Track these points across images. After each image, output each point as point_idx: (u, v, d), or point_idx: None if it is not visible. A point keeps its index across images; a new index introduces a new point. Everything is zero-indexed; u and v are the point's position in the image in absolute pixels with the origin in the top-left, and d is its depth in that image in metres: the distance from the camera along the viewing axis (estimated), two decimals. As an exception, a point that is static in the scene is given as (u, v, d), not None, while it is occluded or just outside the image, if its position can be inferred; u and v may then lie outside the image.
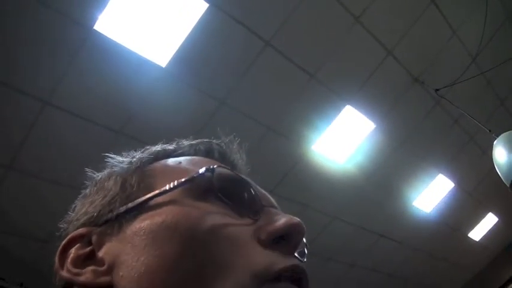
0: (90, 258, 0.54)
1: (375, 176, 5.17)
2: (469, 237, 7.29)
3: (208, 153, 0.69)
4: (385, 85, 4.54)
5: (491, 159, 3.58)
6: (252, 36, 3.57)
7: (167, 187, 0.56)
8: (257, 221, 0.55)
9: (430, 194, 6.00)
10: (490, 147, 3.65)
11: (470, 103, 5.00)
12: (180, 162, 0.63)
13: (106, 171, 0.66)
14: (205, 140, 0.71)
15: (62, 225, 0.63)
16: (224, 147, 0.71)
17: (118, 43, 3.14)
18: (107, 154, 0.69)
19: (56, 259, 0.56)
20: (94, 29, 3.02)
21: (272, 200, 0.63)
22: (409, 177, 5.61)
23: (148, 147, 0.69)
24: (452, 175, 5.99)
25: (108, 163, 0.67)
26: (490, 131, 3.85)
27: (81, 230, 0.57)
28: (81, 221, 0.59)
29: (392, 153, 5.12)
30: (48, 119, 3.22)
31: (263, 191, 0.63)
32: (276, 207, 0.62)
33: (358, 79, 4.36)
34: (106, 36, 3.07)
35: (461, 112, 4.61)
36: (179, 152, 0.68)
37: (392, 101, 4.70)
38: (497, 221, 7.39)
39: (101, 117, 3.41)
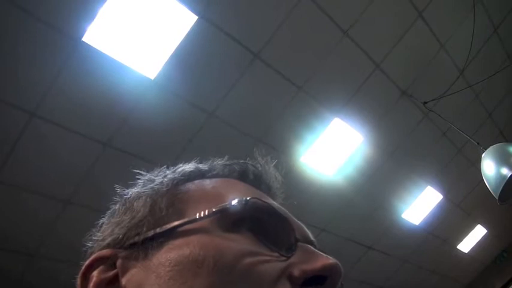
0: (113, 283, 0.52)
1: (363, 188, 5.17)
2: (458, 249, 7.31)
3: (242, 174, 0.66)
4: (373, 98, 4.56)
5: (480, 171, 3.60)
6: (241, 49, 3.57)
7: (197, 215, 0.53)
8: (290, 258, 0.51)
9: (419, 206, 6.02)
10: (478, 160, 3.66)
11: (458, 116, 5.03)
12: (213, 187, 0.61)
13: (136, 190, 0.63)
14: (241, 161, 0.68)
15: (87, 243, 0.61)
16: (259, 169, 0.69)
17: (106, 55, 3.12)
18: (137, 171, 0.66)
19: (79, 279, 0.54)
20: (82, 41, 3.00)
21: (308, 233, 0.60)
22: (398, 189, 5.62)
23: (181, 165, 0.66)
24: (440, 187, 6.01)
25: (139, 181, 0.65)
26: (478, 143, 3.87)
27: (106, 252, 0.55)
28: (107, 241, 0.57)
29: (381, 166, 5.13)
30: (35, 131, 3.19)
31: (299, 223, 0.60)
32: (311, 242, 0.58)
33: (346, 92, 4.37)
34: (94, 48, 3.06)
35: (450, 125, 4.64)
36: (213, 172, 0.65)
37: (380, 114, 4.72)
38: (486, 233, 7.42)
39: (88, 130, 3.39)
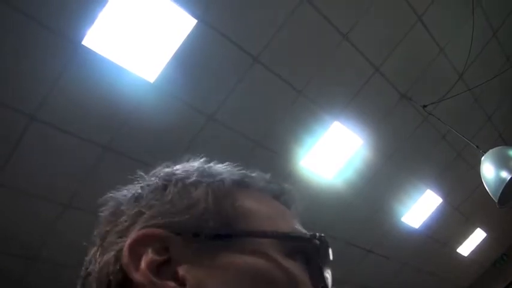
0: (165, 267, 0.51)
1: (363, 191, 5.17)
2: (458, 253, 7.30)
3: (277, 195, 0.67)
4: (373, 101, 4.56)
5: (479, 174, 3.60)
6: (240, 52, 3.58)
7: (268, 232, 0.54)
8: None
9: (419, 209, 6.01)
10: (478, 163, 3.67)
11: (457, 119, 5.03)
12: (271, 206, 0.62)
13: (193, 177, 0.60)
14: (279, 182, 0.69)
15: (123, 207, 0.58)
16: (292, 196, 0.69)
17: (106, 58, 3.12)
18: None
19: (127, 251, 0.51)
20: (82, 45, 3.00)
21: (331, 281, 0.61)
22: (398, 192, 5.61)
23: (220, 165, 0.65)
24: (440, 191, 6.01)
25: (189, 167, 0.63)
26: (477, 147, 3.87)
27: (160, 232, 0.53)
28: (156, 220, 0.54)
29: (380, 169, 5.13)
30: (36, 134, 3.19)
31: (330, 271, 0.61)
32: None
33: (346, 95, 4.37)
34: (94, 52, 3.06)
35: (449, 128, 4.64)
36: (257, 185, 0.65)
37: (380, 117, 4.72)
38: (486, 236, 7.41)
39: (88, 133, 3.39)
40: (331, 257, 0.59)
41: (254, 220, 0.56)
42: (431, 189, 5.91)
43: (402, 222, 5.97)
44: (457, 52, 4.69)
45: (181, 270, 0.50)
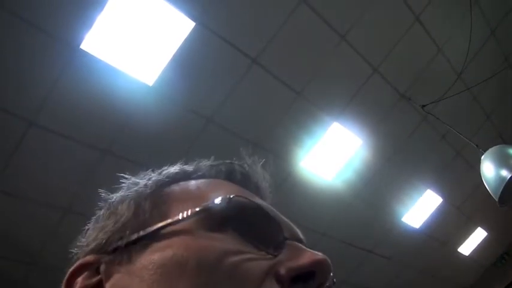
0: None
1: (363, 192, 5.17)
2: (459, 252, 7.29)
3: (229, 174, 0.65)
4: (371, 102, 4.56)
5: (479, 174, 3.59)
6: (239, 54, 3.58)
7: (180, 216, 0.51)
8: (277, 256, 0.50)
9: (419, 209, 6.01)
10: (478, 162, 3.66)
11: (457, 119, 5.03)
12: (197, 187, 0.59)
13: (120, 194, 0.61)
14: (227, 161, 0.67)
15: (72, 250, 0.60)
16: (247, 169, 0.67)
17: (105, 62, 3.12)
18: (122, 175, 0.64)
19: (63, 287, 0.53)
20: (80, 48, 3.00)
21: (297, 231, 0.58)
22: (398, 192, 5.61)
23: (166, 167, 0.64)
24: (440, 190, 6.01)
25: (124, 185, 0.63)
26: (477, 146, 3.87)
27: (90, 258, 0.54)
28: (90, 247, 0.55)
29: (380, 169, 5.13)
30: (34, 139, 3.19)
31: (287, 221, 0.58)
32: (301, 241, 0.57)
33: (345, 96, 4.37)
34: (92, 55, 3.06)
35: (448, 128, 4.64)
36: (199, 173, 0.64)
37: (379, 118, 4.72)
38: (487, 236, 7.41)
39: (87, 137, 3.38)
40: (265, 210, 0.55)
41: (174, 210, 0.54)
42: (431, 189, 5.90)
43: (403, 222, 5.97)
44: (455, 51, 4.69)
45: (108, 286, 0.50)
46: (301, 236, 0.58)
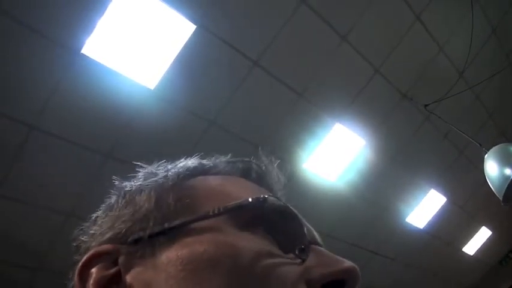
0: (115, 281, 0.49)
1: (366, 192, 5.16)
2: (463, 252, 7.28)
3: (246, 173, 0.64)
4: (374, 102, 4.55)
5: (483, 173, 3.59)
6: (240, 57, 3.58)
7: (210, 212, 0.51)
8: (305, 261, 0.49)
9: (423, 209, 6.00)
10: (481, 161, 3.65)
11: (459, 118, 5.02)
12: (220, 184, 0.58)
13: (137, 183, 0.60)
14: (245, 159, 0.67)
15: (81, 237, 0.58)
16: (263, 169, 0.67)
17: (106, 66, 3.12)
18: (138, 163, 0.64)
19: (76, 277, 0.50)
20: (82, 53, 3.01)
21: (316, 235, 0.58)
22: (401, 193, 5.60)
23: (181, 160, 0.64)
24: (444, 190, 5.99)
25: (139, 174, 0.62)
26: (480, 144, 3.86)
27: (107, 247, 0.51)
28: (107, 236, 0.53)
29: (383, 170, 5.12)
30: (36, 144, 3.19)
31: (309, 226, 0.58)
32: (321, 245, 0.56)
33: (346, 97, 4.37)
34: (94, 60, 3.06)
35: (451, 127, 4.63)
36: (216, 169, 0.63)
37: (381, 118, 4.71)
38: (491, 235, 7.39)
39: (89, 141, 3.38)
40: (294, 213, 0.55)
41: (199, 205, 0.53)
42: (435, 189, 5.89)
43: (407, 222, 5.96)
44: (457, 50, 4.68)
45: (129, 278, 0.48)
46: (320, 240, 0.58)
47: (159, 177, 0.59)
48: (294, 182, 4.51)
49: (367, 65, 4.24)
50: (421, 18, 4.21)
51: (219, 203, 0.52)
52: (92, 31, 2.97)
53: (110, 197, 0.61)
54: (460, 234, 7.00)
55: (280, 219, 0.53)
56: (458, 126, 4.52)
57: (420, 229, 6.20)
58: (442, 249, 6.81)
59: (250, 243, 0.48)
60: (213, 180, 0.59)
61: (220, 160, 0.65)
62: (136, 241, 0.51)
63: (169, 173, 0.60)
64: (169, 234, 0.50)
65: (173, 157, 0.67)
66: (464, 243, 7.18)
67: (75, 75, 3.07)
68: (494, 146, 3.60)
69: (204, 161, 0.64)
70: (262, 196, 0.53)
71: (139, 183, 0.60)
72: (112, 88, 3.24)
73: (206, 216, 0.50)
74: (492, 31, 4.85)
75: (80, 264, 0.51)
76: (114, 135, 3.46)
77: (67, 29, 2.92)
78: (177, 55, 3.31)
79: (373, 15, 3.94)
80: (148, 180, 0.59)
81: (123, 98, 3.32)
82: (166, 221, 0.51)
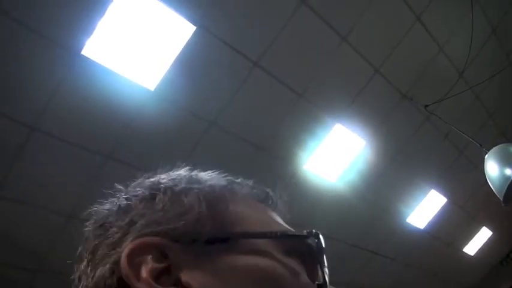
0: (165, 275, 0.50)
1: (367, 193, 5.16)
2: (464, 252, 7.28)
3: (263, 200, 0.67)
4: (374, 102, 4.55)
5: (483, 173, 3.58)
6: (240, 58, 3.58)
7: (267, 231, 0.56)
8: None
9: (423, 209, 5.99)
10: (481, 161, 3.65)
11: (459, 118, 5.02)
12: (263, 209, 0.63)
13: (182, 184, 0.60)
14: (263, 187, 0.69)
15: (109, 219, 0.58)
16: (276, 199, 0.70)
17: (106, 67, 3.12)
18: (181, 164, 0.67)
19: (125, 260, 0.50)
20: (82, 54, 3.01)
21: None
22: (402, 193, 5.60)
23: (210, 172, 0.66)
24: (444, 190, 5.99)
25: (175, 176, 0.63)
26: (480, 145, 3.86)
27: (156, 240, 0.52)
28: (150, 228, 0.54)
29: (383, 170, 5.12)
30: (36, 145, 3.19)
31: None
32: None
33: (347, 97, 4.37)
34: (94, 61, 3.06)
35: (451, 127, 4.63)
36: (243, 190, 0.66)
37: (382, 118, 4.71)
38: (492, 235, 7.39)
39: (90, 142, 3.38)
40: (324, 256, 0.60)
41: (249, 222, 0.57)
42: (435, 189, 5.89)
43: (407, 223, 5.96)
44: (457, 50, 4.68)
45: (184, 276, 0.50)
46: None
47: (203, 184, 0.61)
48: (294, 183, 4.51)
49: (367, 65, 4.24)
50: (421, 18, 4.21)
51: (268, 227, 0.57)
52: (92, 32, 2.97)
53: (136, 189, 0.61)
54: (460, 234, 7.00)
55: (315, 254, 0.59)
56: (459, 127, 4.52)
57: (420, 229, 6.20)
58: (443, 249, 6.81)
59: (293, 266, 0.55)
60: (250, 203, 0.63)
61: (245, 182, 0.68)
62: (190, 241, 0.53)
63: (215, 184, 0.62)
64: (226, 243, 0.53)
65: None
66: (465, 243, 7.18)
67: (75, 77, 3.07)
68: (494, 146, 3.60)
69: (233, 179, 0.67)
70: (314, 231, 0.59)
71: (183, 185, 0.60)
72: (112, 89, 3.24)
73: (261, 236, 0.55)
74: (492, 31, 4.85)
75: (130, 249, 0.51)
76: (114, 136, 3.46)
77: (67, 30, 2.92)
78: (177, 56, 3.31)
79: (373, 16, 3.94)
80: (192, 184, 0.60)
81: (123, 99, 3.32)
82: (222, 229, 0.55)
